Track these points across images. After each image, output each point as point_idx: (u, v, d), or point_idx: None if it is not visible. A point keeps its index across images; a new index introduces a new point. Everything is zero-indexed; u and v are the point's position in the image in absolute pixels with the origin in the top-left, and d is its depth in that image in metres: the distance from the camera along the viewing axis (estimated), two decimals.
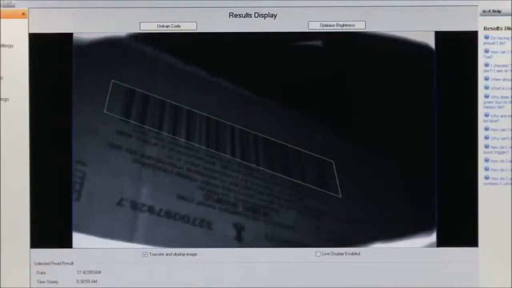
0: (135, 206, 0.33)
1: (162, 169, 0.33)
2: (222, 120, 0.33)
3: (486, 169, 0.33)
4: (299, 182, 0.33)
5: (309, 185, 0.33)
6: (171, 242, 0.33)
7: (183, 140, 0.33)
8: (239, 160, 0.33)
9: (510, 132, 0.33)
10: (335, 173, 0.33)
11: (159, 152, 0.33)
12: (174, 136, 0.33)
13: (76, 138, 0.33)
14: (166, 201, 0.33)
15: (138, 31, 0.33)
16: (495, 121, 0.33)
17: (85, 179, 0.33)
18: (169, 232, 0.33)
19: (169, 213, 0.33)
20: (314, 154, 0.33)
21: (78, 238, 0.33)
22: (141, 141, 0.33)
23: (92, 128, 0.33)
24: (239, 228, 0.33)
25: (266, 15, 0.33)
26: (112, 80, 0.33)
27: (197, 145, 0.33)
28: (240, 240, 0.33)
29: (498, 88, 0.33)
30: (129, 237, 0.33)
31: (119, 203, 0.33)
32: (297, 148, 0.33)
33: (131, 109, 0.33)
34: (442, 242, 0.33)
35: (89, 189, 0.33)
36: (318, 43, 0.33)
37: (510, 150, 0.33)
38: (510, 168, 0.33)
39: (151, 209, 0.33)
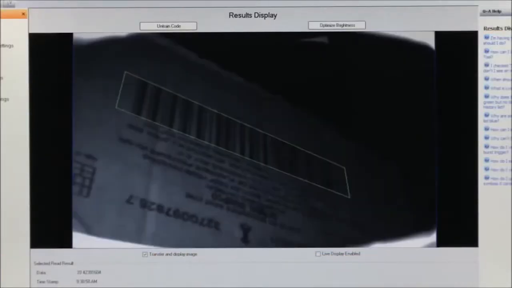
0: (144, 204, 0.33)
1: (171, 168, 0.33)
2: (232, 118, 0.33)
3: (486, 169, 0.33)
4: (306, 183, 0.33)
5: (318, 186, 0.33)
6: (178, 242, 0.33)
7: (193, 137, 0.33)
8: (248, 159, 0.33)
9: (510, 132, 0.33)
10: (345, 175, 0.33)
11: (166, 151, 0.33)
12: (175, 132, 0.33)
13: (75, 139, 0.33)
14: (175, 200, 0.33)
15: (138, 31, 0.33)
16: (495, 121, 0.33)
17: (93, 177, 0.33)
18: (177, 232, 0.33)
19: (178, 213, 0.33)
20: (317, 156, 0.33)
21: (78, 238, 0.33)
22: (143, 142, 0.33)
23: (91, 128, 0.33)
24: (246, 229, 0.33)
25: (266, 15, 0.33)
26: (126, 72, 0.33)
27: (207, 142, 0.33)
28: (247, 241, 0.33)
29: (498, 88, 0.33)
30: (136, 237, 0.33)
31: (127, 201, 0.33)
32: (300, 147, 0.33)
33: (136, 107, 0.33)
34: (442, 242, 0.33)
35: (97, 187, 0.33)
36: (318, 43, 0.33)
37: (510, 150, 0.33)
38: (510, 168, 0.33)
39: (159, 208, 0.33)
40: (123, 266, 0.33)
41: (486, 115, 0.33)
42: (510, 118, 0.33)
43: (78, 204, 0.33)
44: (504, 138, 0.33)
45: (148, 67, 0.33)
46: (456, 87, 0.33)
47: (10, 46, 0.33)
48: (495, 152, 0.33)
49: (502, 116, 0.33)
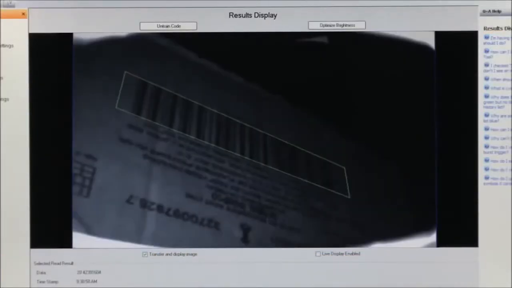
0: (144, 204, 0.33)
1: (171, 168, 0.33)
2: (232, 118, 0.33)
3: (486, 169, 0.33)
4: (306, 183, 0.33)
5: (318, 186, 0.33)
6: (178, 242, 0.33)
7: (192, 137, 0.33)
8: (248, 159, 0.33)
9: (510, 132, 0.33)
10: (345, 175, 0.33)
11: (166, 151, 0.33)
12: (175, 132, 0.33)
13: (75, 139, 0.33)
14: (175, 200, 0.33)
15: (138, 31, 0.33)
16: (495, 121, 0.33)
17: (93, 177, 0.33)
18: (177, 232, 0.33)
19: (178, 213, 0.33)
20: (317, 156, 0.33)
21: (78, 238, 0.33)
22: (143, 142, 0.33)
23: (91, 128, 0.33)
24: (246, 229, 0.33)
25: (266, 15, 0.33)
26: (126, 72, 0.33)
27: (206, 142, 0.33)
28: (247, 241, 0.33)
29: (498, 88, 0.33)
30: (136, 237, 0.33)
31: (127, 201, 0.33)
32: (300, 147, 0.33)
33: (136, 107, 0.33)
34: (442, 242, 0.33)
35: (97, 187, 0.33)
36: (318, 43, 0.33)
37: (510, 150, 0.33)
38: (510, 168, 0.33)
39: (159, 208, 0.33)
40: (123, 266, 0.33)
41: (486, 115, 0.33)
42: (510, 118, 0.33)
43: (78, 204, 0.33)
44: (504, 138, 0.33)
45: (148, 67, 0.33)
46: (456, 87, 0.33)
47: (10, 46, 0.33)
48: (495, 152, 0.33)
49: (502, 116, 0.33)
